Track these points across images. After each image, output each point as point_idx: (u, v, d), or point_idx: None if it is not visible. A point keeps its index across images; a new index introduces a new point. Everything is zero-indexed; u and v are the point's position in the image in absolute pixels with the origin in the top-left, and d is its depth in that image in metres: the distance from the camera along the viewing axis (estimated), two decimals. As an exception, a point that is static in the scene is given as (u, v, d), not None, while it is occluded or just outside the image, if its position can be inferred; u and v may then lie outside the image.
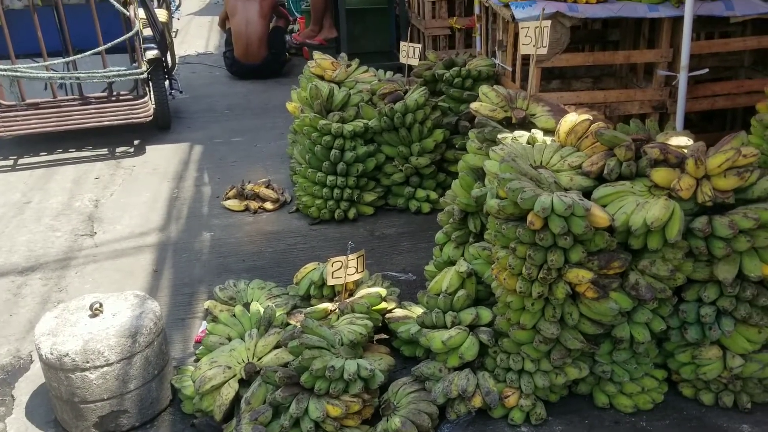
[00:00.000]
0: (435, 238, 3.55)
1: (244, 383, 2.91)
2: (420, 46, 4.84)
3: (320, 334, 2.91)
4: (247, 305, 3.41)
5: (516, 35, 4.22)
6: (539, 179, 2.73)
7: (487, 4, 4.80)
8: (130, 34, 5.58)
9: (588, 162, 2.87)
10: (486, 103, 3.66)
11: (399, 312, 3.30)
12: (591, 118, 3.08)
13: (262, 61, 8.05)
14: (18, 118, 5.64)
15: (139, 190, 5.23)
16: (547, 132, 3.33)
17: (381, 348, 3.18)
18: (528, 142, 3.17)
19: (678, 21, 4.04)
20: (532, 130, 3.31)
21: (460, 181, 3.35)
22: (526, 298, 2.70)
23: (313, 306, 3.34)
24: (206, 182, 5.36)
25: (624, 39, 4.75)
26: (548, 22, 3.68)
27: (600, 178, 2.85)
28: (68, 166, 5.72)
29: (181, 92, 7.05)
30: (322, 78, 4.95)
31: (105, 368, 2.77)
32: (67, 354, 2.72)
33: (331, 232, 4.52)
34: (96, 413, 2.84)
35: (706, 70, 4.19)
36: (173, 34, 7.67)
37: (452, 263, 3.33)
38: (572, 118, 3.09)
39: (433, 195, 4.69)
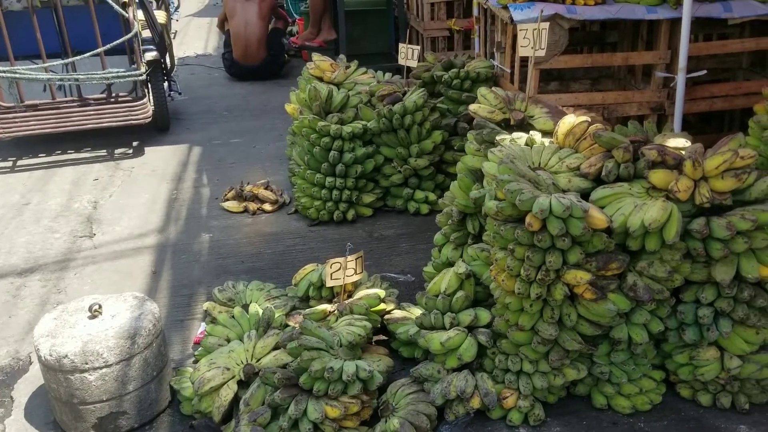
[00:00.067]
0: (433, 240, 3.55)
1: (243, 384, 2.91)
2: (419, 47, 4.85)
3: (319, 336, 2.91)
4: (245, 306, 3.41)
5: (514, 37, 4.23)
6: (537, 181, 2.73)
7: (485, 6, 4.81)
8: (129, 35, 5.59)
9: (586, 163, 2.88)
10: (484, 104, 3.66)
11: (398, 313, 3.31)
12: (589, 119, 3.09)
13: (261, 62, 8.06)
14: (17, 120, 5.64)
15: (138, 192, 5.24)
16: (546, 134, 3.34)
17: (380, 349, 3.18)
18: (526, 144, 3.18)
19: (676, 23, 4.05)
20: (531, 132, 3.31)
21: (458, 183, 3.35)
22: (524, 299, 2.70)
23: (311, 307, 3.34)
24: (205, 183, 5.36)
25: (622, 41, 4.76)
26: (546, 24, 3.69)
27: (598, 180, 2.85)
28: (67, 167, 5.73)
29: (180, 94, 7.05)
30: (321, 79, 4.95)
31: (104, 370, 2.77)
32: (66, 355, 2.72)
33: (330, 234, 4.53)
34: (95, 414, 2.84)
35: (704, 71, 4.21)
36: (172, 36, 7.66)
37: (451, 264, 3.33)
38: (570, 120, 3.09)
39: (432, 196, 4.69)
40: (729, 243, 2.60)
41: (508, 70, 4.53)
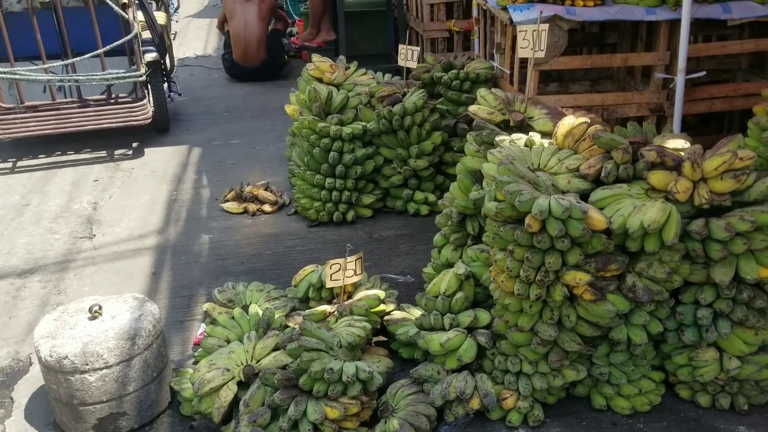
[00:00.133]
0: (433, 241, 3.56)
1: (243, 385, 2.92)
2: (418, 48, 4.85)
3: (319, 337, 2.92)
4: (245, 307, 3.42)
5: (514, 38, 4.23)
6: (537, 182, 2.74)
7: (485, 7, 4.81)
8: (128, 36, 5.59)
9: (585, 165, 2.88)
10: (484, 105, 3.67)
11: (397, 314, 3.31)
12: (588, 121, 3.09)
13: (260, 63, 8.06)
14: (17, 121, 5.65)
15: (138, 193, 5.24)
16: (545, 135, 3.34)
17: (379, 350, 3.19)
18: (526, 145, 3.18)
19: (675, 24, 4.05)
20: (530, 133, 3.31)
21: (458, 184, 3.36)
22: (523, 300, 2.71)
23: (311, 308, 3.35)
24: (205, 184, 5.36)
25: (621, 42, 4.76)
26: (546, 26, 3.69)
27: (597, 181, 2.86)
28: (67, 168, 5.73)
29: (179, 95, 7.06)
30: (320, 80, 4.96)
31: (104, 370, 2.77)
32: (67, 356, 2.73)
33: (330, 235, 4.53)
34: (95, 415, 2.84)
35: (704, 73, 4.21)
36: (172, 37, 7.67)
37: (450, 265, 3.34)
38: (570, 121, 3.10)
39: (432, 197, 4.70)
40: (728, 244, 2.61)
41: (508, 72, 4.53)
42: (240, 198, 4.92)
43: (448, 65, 4.79)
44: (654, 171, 2.75)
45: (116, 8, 5.48)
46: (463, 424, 2.85)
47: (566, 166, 2.93)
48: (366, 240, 4.45)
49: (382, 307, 3.32)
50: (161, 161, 5.84)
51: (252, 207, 4.83)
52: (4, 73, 5.39)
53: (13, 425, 2.98)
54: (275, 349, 3.04)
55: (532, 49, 3.70)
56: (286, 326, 3.23)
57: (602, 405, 2.93)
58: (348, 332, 2.99)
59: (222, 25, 8.46)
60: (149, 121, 5.96)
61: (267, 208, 4.84)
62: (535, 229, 2.54)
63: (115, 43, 5.51)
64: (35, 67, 5.60)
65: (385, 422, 2.80)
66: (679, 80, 4.04)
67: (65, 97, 5.87)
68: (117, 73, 5.63)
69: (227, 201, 4.95)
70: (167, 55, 6.55)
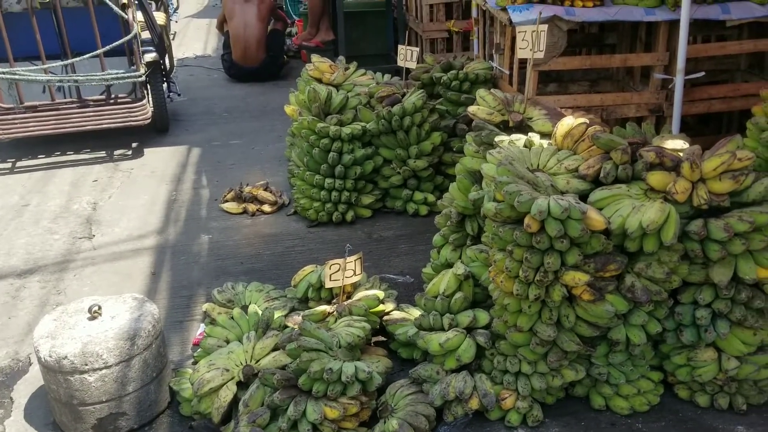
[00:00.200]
0: (432, 241, 3.56)
1: (242, 386, 2.92)
2: (418, 49, 4.86)
3: (318, 337, 2.92)
4: (245, 308, 3.42)
5: (513, 39, 4.24)
6: (536, 182, 2.74)
7: (484, 8, 4.81)
8: (128, 37, 5.60)
9: (584, 165, 2.88)
10: (483, 106, 3.67)
11: (396, 314, 3.31)
12: (587, 121, 3.10)
13: (260, 63, 8.07)
14: (16, 121, 5.65)
15: (137, 193, 5.24)
16: (544, 135, 3.35)
17: (378, 350, 3.19)
18: (525, 146, 3.18)
19: (674, 24, 4.06)
20: (529, 134, 3.32)
21: (457, 184, 3.36)
22: (522, 300, 2.71)
23: (311, 308, 3.35)
24: (204, 185, 5.37)
25: (621, 42, 4.77)
26: (545, 26, 3.70)
27: (596, 182, 2.86)
28: (66, 168, 5.73)
29: (179, 95, 7.06)
30: (320, 81, 4.96)
31: (104, 371, 2.78)
32: (66, 356, 2.73)
33: (329, 235, 4.53)
34: (95, 415, 2.84)
35: (703, 73, 4.22)
36: (171, 37, 7.67)
37: (450, 266, 3.34)
38: (569, 122, 3.10)
39: (431, 198, 4.70)
40: (726, 244, 2.62)
41: (507, 72, 4.54)
42: (239, 198, 4.92)
43: (447, 66, 4.79)
44: (653, 171, 2.75)
45: (116, 8, 5.49)
46: (462, 424, 2.86)
47: (565, 166, 2.94)
48: (365, 240, 4.45)
49: (381, 307, 3.32)
50: (161, 161, 5.84)
51: (251, 207, 4.83)
52: (4, 73, 5.39)
53: (13, 425, 2.98)
54: (274, 349, 3.04)
55: (531, 49, 3.71)
56: (286, 326, 3.23)
57: (601, 405, 2.94)
58: (347, 332, 2.99)
59: (221, 25, 8.47)
60: (149, 121, 5.97)
61: (266, 208, 4.85)
62: (534, 229, 2.55)
63: (114, 44, 5.52)
64: (35, 67, 5.60)
65: (385, 422, 2.80)
66: (678, 81, 4.04)
67: (65, 98, 5.87)
68: (116, 73, 5.64)
69: (227, 201, 4.95)
70: (167, 56, 6.55)
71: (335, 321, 3.18)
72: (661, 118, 4.34)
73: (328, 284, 3.29)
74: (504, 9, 4.27)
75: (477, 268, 3.11)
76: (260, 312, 3.28)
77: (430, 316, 3.06)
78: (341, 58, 5.37)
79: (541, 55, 3.74)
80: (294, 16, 9.69)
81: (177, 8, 11.86)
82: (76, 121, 5.75)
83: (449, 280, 3.13)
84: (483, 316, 3.00)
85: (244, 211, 4.85)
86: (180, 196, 5.19)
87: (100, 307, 2.91)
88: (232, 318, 3.31)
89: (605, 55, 4.64)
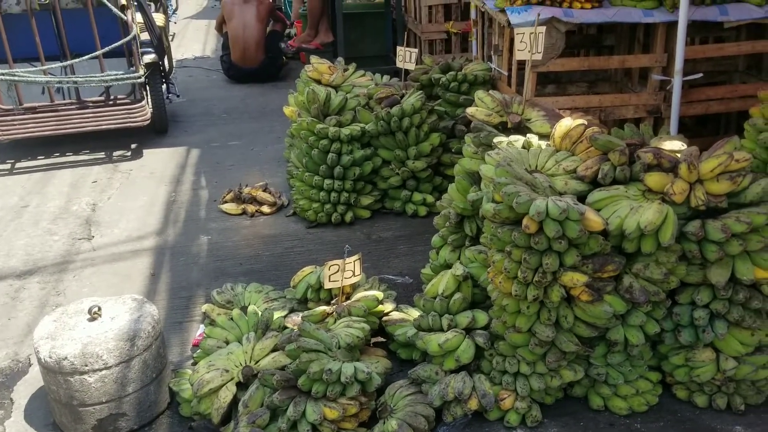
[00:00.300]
0: (431, 242, 3.57)
1: (242, 386, 2.93)
2: (417, 50, 4.87)
3: (317, 338, 2.93)
4: (244, 308, 3.42)
5: (512, 40, 4.24)
6: (534, 183, 2.75)
7: (483, 9, 4.82)
8: (127, 38, 5.60)
9: (582, 166, 2.89)
10: (482, 107, 3.68)
11: (396, 315, 3.32)
12: (586, 122, 3.10)
13: (259, 64, 8.07)
14: (16, 122, 5.66)
15: (137, 194, 5.25)
16: (543, 136, 3.36)
17: (378, 351, 3.20)
18: (523, 147, 3.19)
19: (672, 26, 4.07)
20: (528, 135, 3.33)
21: (456, 185, 3.37)
22: (521, 301, 2.72)
23: (310, 309, 3.36)
24: (203, 186, 5.37)
25: (619, 44, 4.78)
26: (543, 28, 3.71)
27: (594, 183, 2.87)
28: (66, 169, 5.74)
29: (178, 96, 7.07)
30: (319, 82, 4.97)
31: (103, 371, 2.78)
32: (66, 357, 2.73)
33: (328, 236, 4.54)
34: (94, 416, 2.85)
35: (701, 74, 4.23)
36: (170, 38, 7.68)
37: (448, 266, 3.35)
38: (567, 123, 3.11)
39: (430, 198, 4.71)
40: (724, 245, 2.63)
41: (506, 73, 4.55)
42: (238, 199, 4.93)
43: (446, 67, 4.80)
44: (650, 173, 2.76)
45: (115, 10, 5.50)
46: (462, 424, 2.86)
47: (563, 167, 2.95)
48: (364, 241, 4.46)
49: (380, 308, 3.33)
50: (160, 162, 5.85)
51: (251, 208, 4.84)
52: (3, 74, 5.39)
53: (13, 426, 2.99)
54: (274, 350, 3.05)
55: (529, 51, 3.71)
56: (285, 327, 3.24)
57: (600, 405, 2.95)
58: (346, 333, 3.00)
59: (220, 26, 8.47)
60: (148, 122, 5.97)
61: (266, 209, 4.85)
62: (533, 230, 2.56)
63: (113, 45, 5.52)
64: (34, 68, 5.60)
65: (384, 423, 2.81)
66: (676, 82, 4.05)
67: (64, 99, 5.88)
68: (115, 74, 5.64)
69: (226, 202, 4.95)
70: (166, 57, 6.56)
71: (334, 322, 3.19)
72: (659, 120, 4.35)
73: (328, 285, 3.30)
74: (502, 10, 4.27)
75: (476, 269, 3.12)
76: (259, 313, 3.29)
77: (429, 316, 3.07)
78: (340, 59, 5.38)
79: (539, 56, 3.74)
80: (289, 18, 9.69)
81: (176, 9, 11.86)
82: (75, 123, 5.75)
83: (448, 280, 3.14)
84: (482, 317, 3.01)
85: (243, 212, 4.85)
86: (179, 197, 5.19)
87: (99, 308, 2.91)
88: (232, 319, 3.32)
89: (603, 56, 4.65)
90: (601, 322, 2.72)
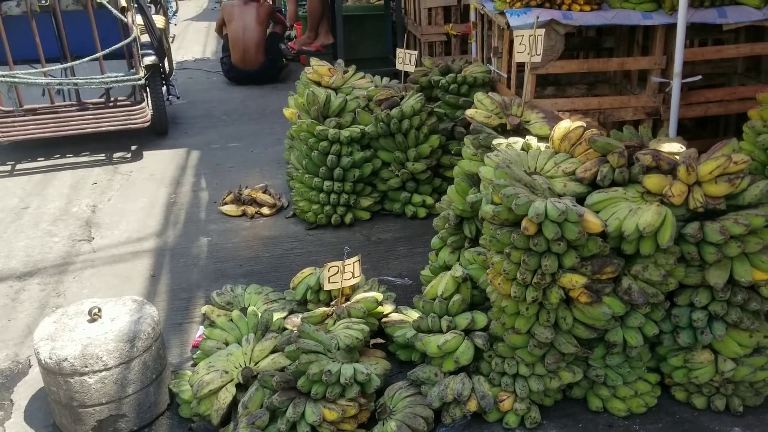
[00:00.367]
0: (431, 243, 3.58)
1: (242, 387, 2.93)
2: (416, 52, 4.88)
3: (317, 339, 2.93)
4: (244, 310, 3.43)
5: (511, 42, 4.25)
6: (533, 185, 2.76)
7: (482, 12, 4.83)
8: (127, 40, 5.61)
9: (581, 168, 2.90)
10: (481, 109, 3.69)
11: (395, 316, 3.33)
12: (585, 124, 3.11)
13: (259, 66, 8.09)
14: (16, 124, 5.67)
15: (137, 196, 5.25)
16: (542, 138, 3.36)
17: (377, 352, 3.20)
18: (522, 149, 3.20)
19: (671, 28, 4.08)
20: (527, 137, 3.34)
21: (455, 187, 3.38)
22: (520, 302, 2.73)
23: (309, 311, 3.36)
24: (203, 187, 5.38)
25: (618, 46, 4.78)
26: (543, 30, 3.71)
27: (593, 185, 2.88)
28: (66, 171, 5.74)
29: (178, 98, 7.08)
30: (319, 84, 4.98)
31: (103, 373, 2.79)
32: (66, 358, 2.74)
33: (328, 237, 4.55)
34: (94, 417, 2.85)
35: (700, 77, 4.23)
36: (170, 40, 7.69)
37: (448, 268, 3.35)
38: (566, 125, 3.12)
39: (429, 200, 4.72)
40: (722, 247, 2.63)
41: (505, 75, 4.55)
42: (238, 201, 4.94)
43: (445, 69, 4.81)
44: (649, 174, 2.77)
45: (115, 12, 5.51)
46: (461, 426, 2.87)
47: (562, 169, 2.95)
48: (364, 242, 4.47)
49: (379, 309, 3.34)
50: (160, 164, 5.85)
51: (250, 210, 4.85)
52: (4, 76, 5.40)
53: (13, 427, 2.99)
54: (273, 351, 3.05)
55: (529, 53, 3.72)
56: (285, 328, 3.24)
57: (598, 407, 2.95)
58: (346, 334, 3.01)
59: (220, 28, 8.48)
60: (148, 124, 5.98)
61: (265, 210, 4.86)
62: (532, 232, 2.56)
63: (113, 47, 5.53)
64: (34, 70, 5.61)
65: (383, 424, 2.81)
66: (675, 84, 4.06)
67: (64, 101, 5.89)
68: (116, 76, 5.65)
69: (226, 204, 4.96)
70: (166, 59, 6.57)
71: (334, 323, 3.19)
72: (658, 122, 4.35)
73: (327, 286, 3.31)
74: (502, 13, 4.28)
75: (475, 271, 3.13)
76: (259, 314, 3.29)
77: (429, 318, 3.07)
78: (340, 61, 5.39)
79: (538, 58, 3.75)
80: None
81: (176, 11, 11.89)
82: (75, 124, 5.76)
83: (447, 282, 3.15)
84: (481, 319, 3.02)
85: (243, 214, 4.86)
86: (179, 198, 5.20)
87: (99, 310, 2.92)
88: (231, 320, 3.32)
89: (603, 58, 4.66)
90: (599, 324, 2.73)
